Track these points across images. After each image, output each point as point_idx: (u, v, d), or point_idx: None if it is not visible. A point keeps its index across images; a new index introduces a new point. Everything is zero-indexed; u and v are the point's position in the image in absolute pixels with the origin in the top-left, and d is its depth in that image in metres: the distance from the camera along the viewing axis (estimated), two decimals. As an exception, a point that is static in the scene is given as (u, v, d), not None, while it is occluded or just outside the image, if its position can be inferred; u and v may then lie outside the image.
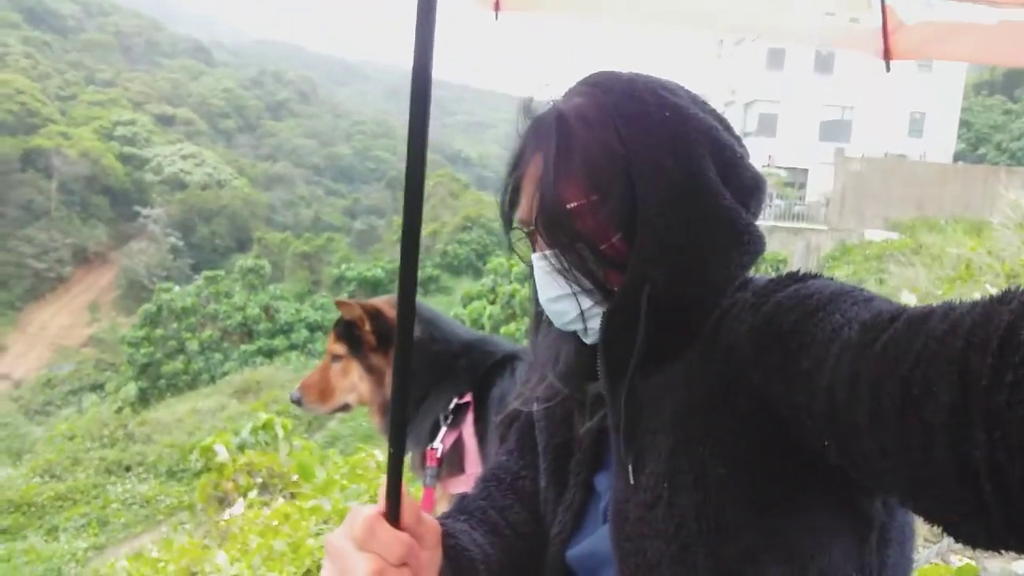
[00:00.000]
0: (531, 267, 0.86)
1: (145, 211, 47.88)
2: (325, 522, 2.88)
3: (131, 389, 24.85)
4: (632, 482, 0.76)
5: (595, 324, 0.81)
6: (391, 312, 1.80)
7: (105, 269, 46.99)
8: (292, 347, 26.70)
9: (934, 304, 0.56)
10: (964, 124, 34.52)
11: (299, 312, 28.13)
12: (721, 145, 0.80)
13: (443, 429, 1.67)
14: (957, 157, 31.52)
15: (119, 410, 21.66)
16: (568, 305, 0.81)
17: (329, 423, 20.56)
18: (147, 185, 52.03)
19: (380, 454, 3.84)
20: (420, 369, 1.74)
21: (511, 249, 0.89)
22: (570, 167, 0.79)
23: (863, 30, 1.52)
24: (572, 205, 0.78)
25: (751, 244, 0.80)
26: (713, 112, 0.83)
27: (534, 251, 0.84)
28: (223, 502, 5.93)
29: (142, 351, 25.30)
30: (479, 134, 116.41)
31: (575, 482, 0.87)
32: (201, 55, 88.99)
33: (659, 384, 0.77)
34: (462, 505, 0.92)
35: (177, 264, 46.05)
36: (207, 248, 49.42)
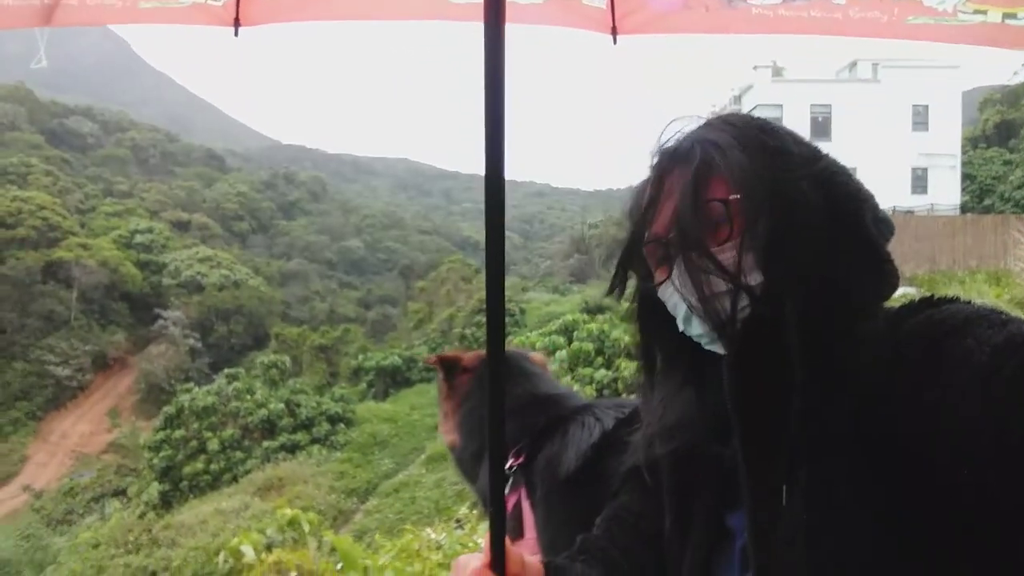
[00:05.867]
0: (641, 306, 0.87)
1: (164, 314, 48.47)
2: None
3: (153, 492, 24.53)
4: (776, 514, 0.73)
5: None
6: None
7: (124, 374, 47.17)
8: (314, 441, 26.41)
9: None
10: (967, 177, 34.85)
11: (320, 405, 27.96)
12: (857, 184, 0.82)
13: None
14: (963, 209, 31.68)
15: (142, 515, 21.30)
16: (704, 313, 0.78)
17: (355, 516, 20.09)
18: (165, 289, 52.83)
19: (432, 532, 3.78)
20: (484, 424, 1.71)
21: (630, 267, 0.88)
22: (712, 174, 0.79)
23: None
24: (713, 202, 0.78)
25: (889, 276, 0.78)
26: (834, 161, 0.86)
27: (664, 276, 0.82)
28: (254, 604, 5.78)
29: (161, 454, 25.11)
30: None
31: (702, 522, 0.85)
32: (215, 162, 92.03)
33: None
34: (583, 545, 0.92)
35: (196, 365, 46.17)
36: (225, 347, 49.64)
